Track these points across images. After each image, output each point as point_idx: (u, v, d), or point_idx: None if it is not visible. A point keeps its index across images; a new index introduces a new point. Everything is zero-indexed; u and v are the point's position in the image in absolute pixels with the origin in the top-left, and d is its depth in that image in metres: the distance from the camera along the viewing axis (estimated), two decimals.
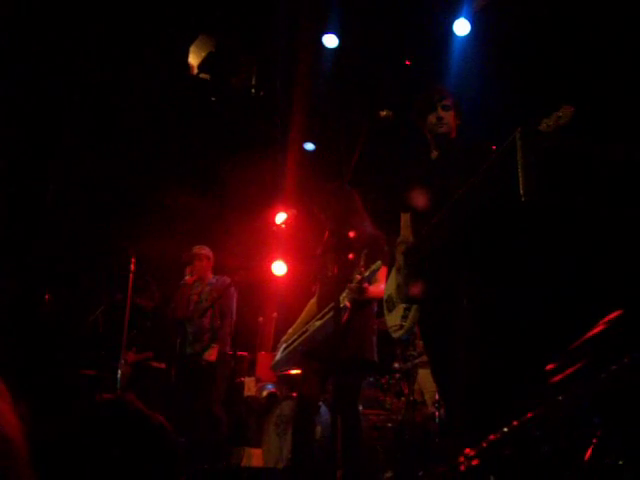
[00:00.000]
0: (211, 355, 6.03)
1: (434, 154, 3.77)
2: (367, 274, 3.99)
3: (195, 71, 6.58)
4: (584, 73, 4.86)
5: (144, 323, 6.56)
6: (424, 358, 5.06)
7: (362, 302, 4.19)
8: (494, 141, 2.99)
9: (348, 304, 3.96)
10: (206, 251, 6.37)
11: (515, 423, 1.58)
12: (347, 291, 3.99)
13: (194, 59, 6.52)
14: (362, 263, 4.08)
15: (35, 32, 5.53)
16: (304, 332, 4.46)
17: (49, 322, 6.00)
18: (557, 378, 1.75)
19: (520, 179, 2.20)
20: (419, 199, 3.69)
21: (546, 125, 2.73)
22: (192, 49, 6.34)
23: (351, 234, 4.00)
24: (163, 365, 6.37)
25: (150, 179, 6.54)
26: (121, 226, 5.62)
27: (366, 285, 4.07)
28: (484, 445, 1.51)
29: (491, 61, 5.76)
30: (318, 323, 4.30)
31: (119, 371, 5.34)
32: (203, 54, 6.49)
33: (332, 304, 4.16)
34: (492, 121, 4.57)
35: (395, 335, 4.03)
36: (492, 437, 1.52)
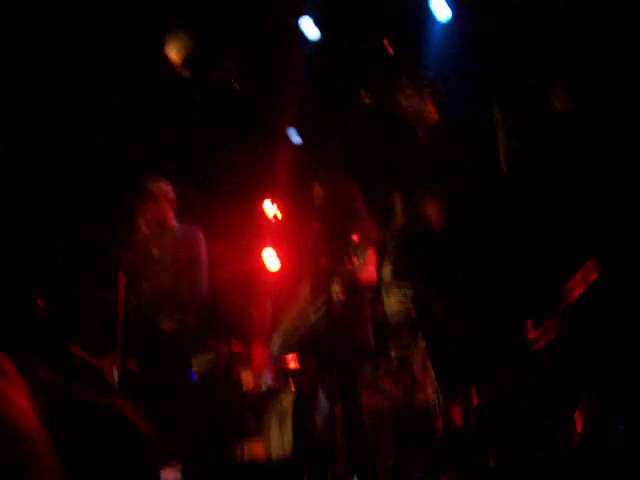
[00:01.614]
0: (169, 324, 4.82)
1: (420, 134, 3.79)
2: (356, 266, 3.99)
3: (178, 67, 6.54)
4: (568, 53, 4.86)
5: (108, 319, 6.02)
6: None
7: (355, 290, 4.20)
8: (480, 121, 3.00)
9: (342, 297, 3.96)
10: (164, 188, 4.96)
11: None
12: (337, 283, 3.99)
13: (175, 55, 6.49)
14: (351, 252, 4.08)
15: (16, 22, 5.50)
16: (300, 323, 4.46)
17: (44, 326, 5.96)
18: (539, 344, 1.77)
19: (500, 154, 2.21)
20: (411, 184, 3.70)
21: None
22: (172, 44, 6.31)
23: (355, 237, 3.97)
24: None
25: (139, 173, 6.49)
26: (112, 220, 5.58)
27: (357, 275, 4.07)
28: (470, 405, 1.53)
29: (473, 44, 5.75)
30: (313, 317, 4.31)
31: (115, 371, 5.30)
32: (183, 50, 6.46)
33: (324, 296, 4.17)
34: (476, 102, 4.57)
35: (393, 319, 4.07)
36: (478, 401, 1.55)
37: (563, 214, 2.57)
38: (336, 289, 3.94)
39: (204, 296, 5.06)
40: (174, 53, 6.15)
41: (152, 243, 4.97)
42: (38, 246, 6.14)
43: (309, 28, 6.25)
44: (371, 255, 4.28)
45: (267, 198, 6.30)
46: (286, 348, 4.59)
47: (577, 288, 1.87)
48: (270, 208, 6.08)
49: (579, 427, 1.69)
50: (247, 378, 6.02)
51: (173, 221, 5.05)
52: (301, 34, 6.28)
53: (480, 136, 2.59)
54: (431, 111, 3.73)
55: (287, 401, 5.48)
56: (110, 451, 1.12)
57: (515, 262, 2.72)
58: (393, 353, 5.55)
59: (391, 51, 5.94)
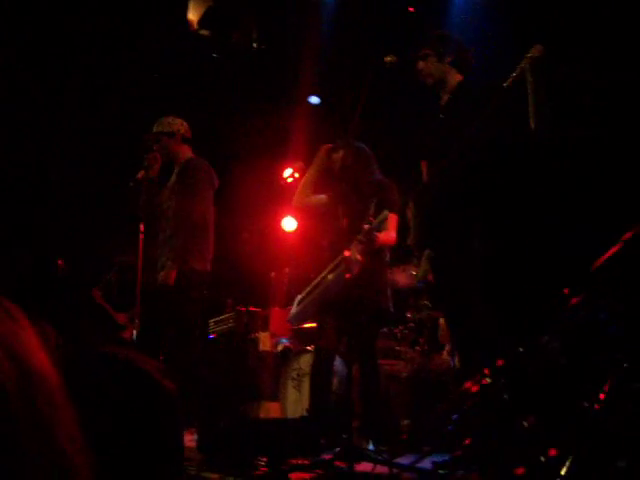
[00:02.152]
0: (167, 275, 4.37)
1: (443, 99, 3.75)
2: (375, 224, 3.97)
3: (195, 27, 6.47)
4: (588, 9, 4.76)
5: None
6: None
7: (373, 252, 4.20)
8: (501, 80, 2.94)
9: (360, 257, 3.95)
10: (168, 125, 4.67)
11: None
12: (356, 243, 3.98)
13: (194, 15, 6.42)
14: (371, 212, 4.06)
15: None
16: (317, 285, 4.46)
17: (63, 287, 6.03)
18: (575, 300, 1.73)
19: (530, 110, 2.16)
20: (431, 146, 3.67)
21: (520, 68, 2.67)
22: (191, 4, 6.24)
23: (365, 226, 3.90)
24: None
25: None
26: (129, 188, 5.60)
27: (376, 234, 4.06)
28: (499, 364, 1.50)
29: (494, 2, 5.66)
30: (331, 277, 4.30)
31: (134, 331, 5.36)
32: (202, 9, 6.38)
33: (342, 256, 4.17)
34: (498, 62, 4.51)
35: (412, 283, 4.07)
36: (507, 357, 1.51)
37: (592, 178, 2.52)
38: (354, 250, 3.93)
39: (197, 220, 4.50)
40: (194, 13, 6.09)
41: (159, 187, 4.67)
42: (61, 207, 6.18)
43: None
44: (390, 217, 4.26)
45: (286, 162, 6.28)
46: (304, 310, 4.60)
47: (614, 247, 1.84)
48: (287, 172, 6.05)
49: (605, 389, 1.63)
50: (265, 339, 6.07)
51: (182, 155, 4.73)
52: None
53: (507, 97, 2.54)
54: (452, 74, 3.68)
55: (304, 363, 5.52)
56: (133, 405, 1.12)
57: (541, 225, 2.68)
58: (410, 317, 5.57)
59: (411, 9, 5.85)
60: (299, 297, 4.62)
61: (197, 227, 4.49)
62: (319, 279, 4.44)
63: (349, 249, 3.87)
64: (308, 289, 4.57)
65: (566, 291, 1.80)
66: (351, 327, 3.99)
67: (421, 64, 3.68)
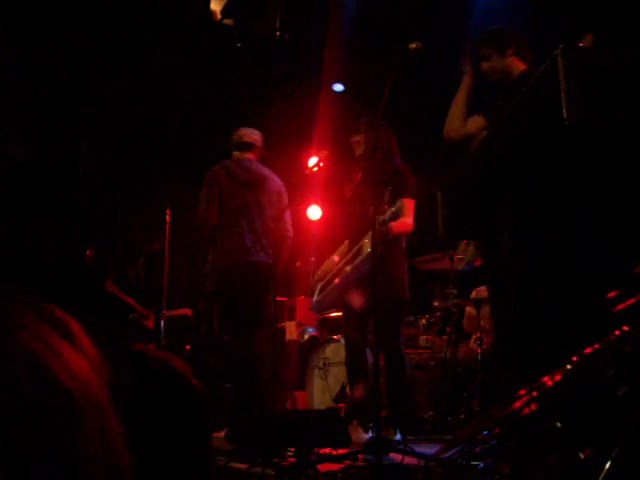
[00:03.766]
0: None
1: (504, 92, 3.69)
2: (387, 215, 3.93)
3: (218, 17, 6.44)
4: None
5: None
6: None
7: (388, 241, 4.14)
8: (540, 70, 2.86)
9: (371, 249, 3.92)
10: (242, 134, 5.09)
11: (576, 359, 1.47)
12: (369, 235, 3.95)
13: (216, 5, 6.39)
14: (386, 200, 4.03)
15: None
16: (336, 274, 4.44)
17: (93, 277, 6.08)
18: (621, 306, 1.66)
19: (563, 101, 2.09)
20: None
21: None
22: None
23: (378, 217, 3.92)
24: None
25: (181, 129, 6.52)
26: (155, 177, 5.63)
27: (390, 225, 4.02)
28: (548, 385, 1.41)
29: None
30: (348, 268, 4.27)
31: (162, 322, 5.39)
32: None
33: (359, 245, 4.16)
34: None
35: (458, 267, 4.12)
36: (557, 377, 1.42)
37: (629, 171, 2.43)
38: (367, 240, 3.91)
39: (202, 227, 4.83)
40: (216, 3, 6.06)
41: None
42: (89, 198, 6.23)
43: None
44: (407, 202, 4.20)
45: (310, 150, 6.26)
46: (325, 299, 4.59)
47: None
48: (311, 161, 6.04)
49: None
50: (291, 328, 6.08)
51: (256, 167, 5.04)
52: None
53: (538, 81, 2.47)
54: (516, 64, 3.55)
55: (330, 352, 5.52)
56: (169, 407, 1.11)
57: (575, 221, 2.60)
58: (437, 305, 5.53)
59: None
60: (320, 285, 4.61)
61: (206, 233, 4.81)
62: (337, 269, 4.42)
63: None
64: (328, 277, 4.56)
65: (611, 295, 1.72)
66: (371, 317, 3.97)
67: (485, 65, 3.58)
